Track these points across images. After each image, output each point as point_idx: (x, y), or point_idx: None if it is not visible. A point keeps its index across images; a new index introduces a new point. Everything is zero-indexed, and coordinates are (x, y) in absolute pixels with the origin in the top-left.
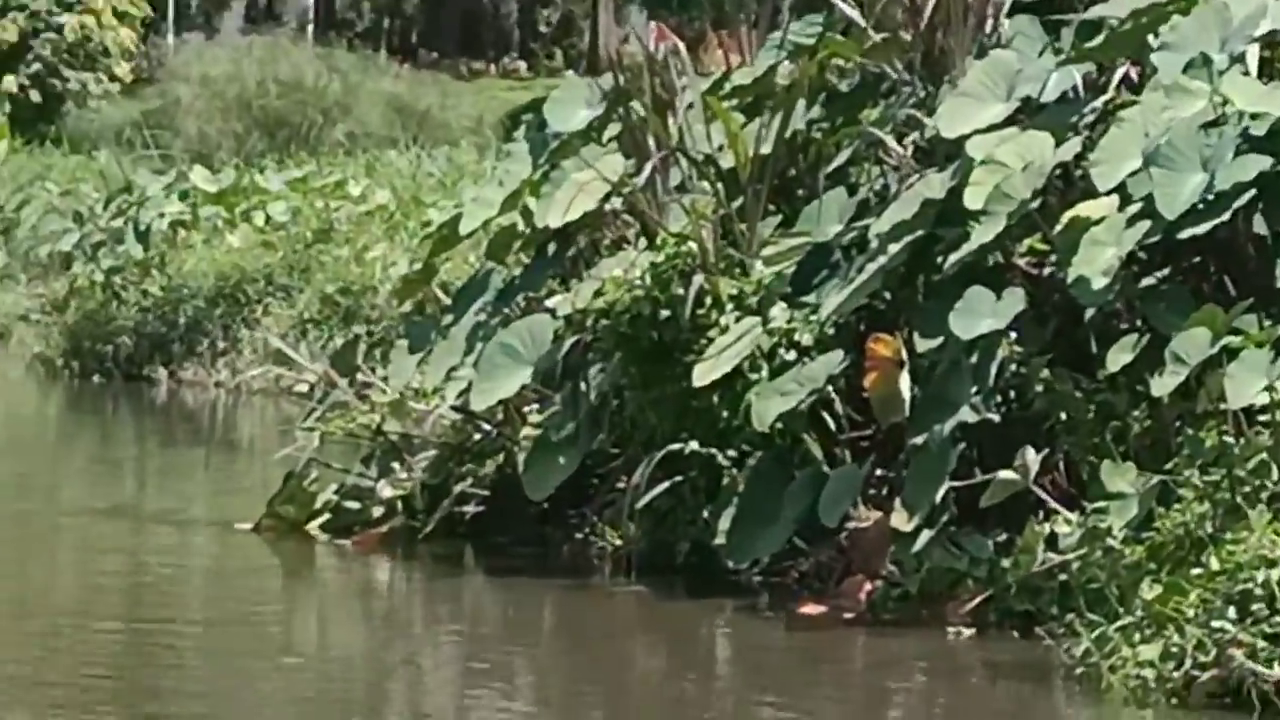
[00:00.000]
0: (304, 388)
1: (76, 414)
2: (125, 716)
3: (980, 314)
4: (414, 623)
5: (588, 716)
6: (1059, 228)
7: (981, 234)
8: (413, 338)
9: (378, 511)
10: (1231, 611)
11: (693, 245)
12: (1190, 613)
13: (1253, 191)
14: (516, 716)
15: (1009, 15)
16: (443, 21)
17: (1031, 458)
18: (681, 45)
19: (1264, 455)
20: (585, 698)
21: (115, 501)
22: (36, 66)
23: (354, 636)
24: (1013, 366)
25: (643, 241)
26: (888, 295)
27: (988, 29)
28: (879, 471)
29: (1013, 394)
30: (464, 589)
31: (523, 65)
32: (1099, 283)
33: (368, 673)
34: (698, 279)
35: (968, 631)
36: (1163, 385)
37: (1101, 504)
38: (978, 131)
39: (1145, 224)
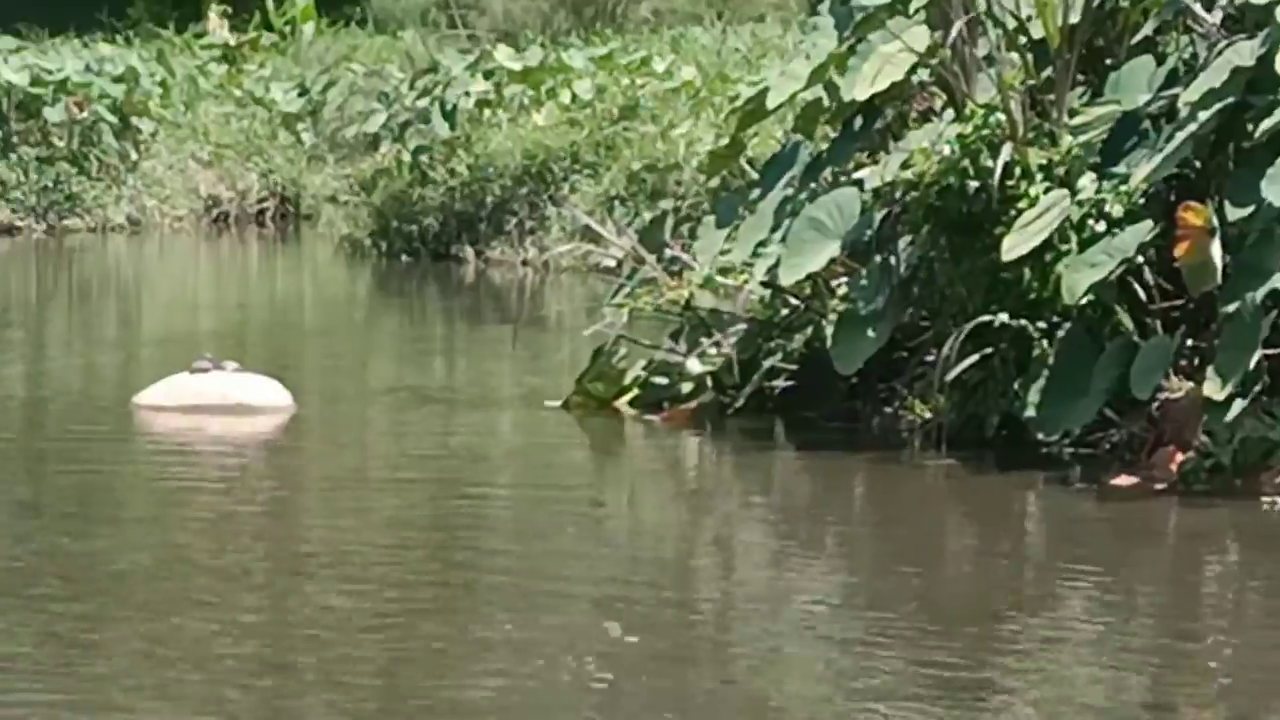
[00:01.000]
0: (611, 264)
1: (384, 294)
2: (440, 568)
3: None
4: (724, 498)
5: (902, 592)
6: None
7: None
8: (720, 213)
9: (686, 387)
10: None
11: (1000, 116)
12: None
13: None
14: (830, 590)
15: None
16: None
17: None
18: None
19: None
20: (898, 574)
21: (425, 380)
22: None
23: (664, 511)
24: None
25: (950, 113)
26: (1198, 164)
27: None
28: (1190, 342)
29: None
30: (773, 464)
31: None
32: None
33: (677, 546)
34: (1006, 150)
35: None
36: None
37: None
38: None
39: None
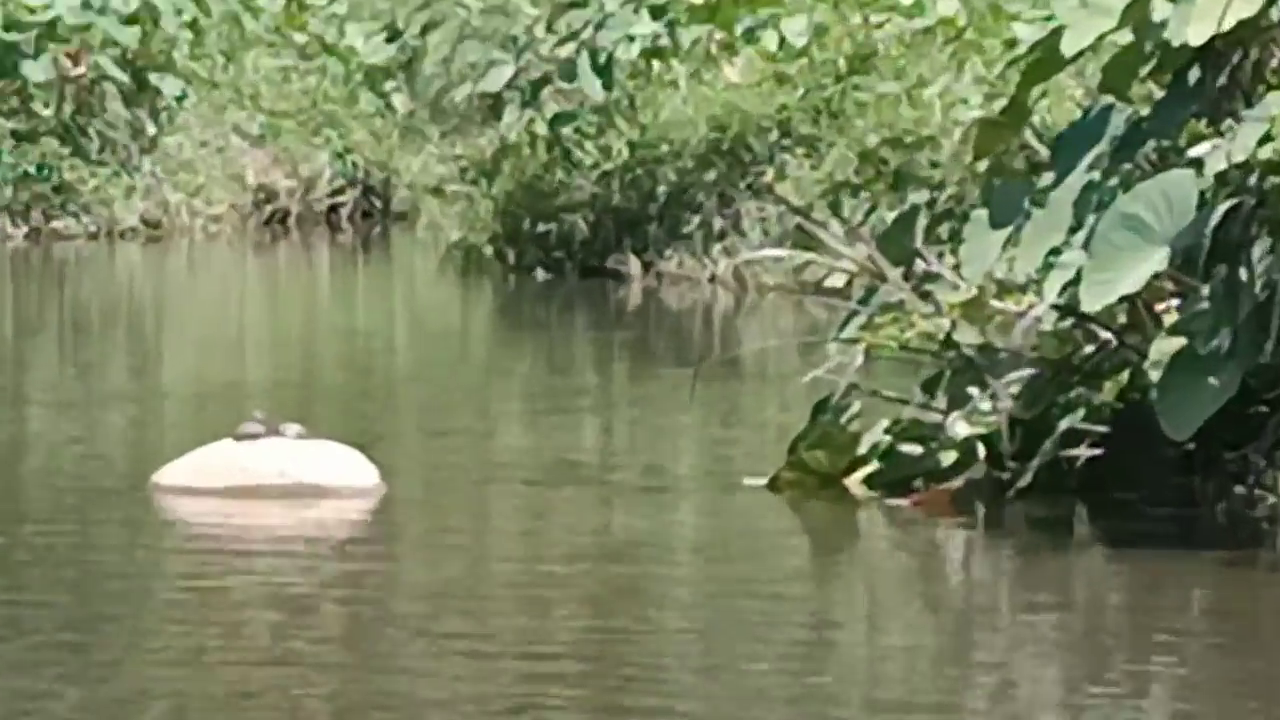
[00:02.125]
0: (838, 282)
1: (512, 326)
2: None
3: None
4: (1004, 616)
5: None
6: None
7: None
8: (995, 208)
9: (947, 458)
10: None
11: None
12: None
13: None
14: None
15: None
16: None
17: None
18: None
19: None
20: None
21: (570, 451)
22: None
23: (918, 637)
24: None
25: None
26: None
27: None
28: None
29: None
30: (1074, 567)
31: None
32: None
33: (937, 685)
34: None
35: None
36: None
37: None
38: None
39: None
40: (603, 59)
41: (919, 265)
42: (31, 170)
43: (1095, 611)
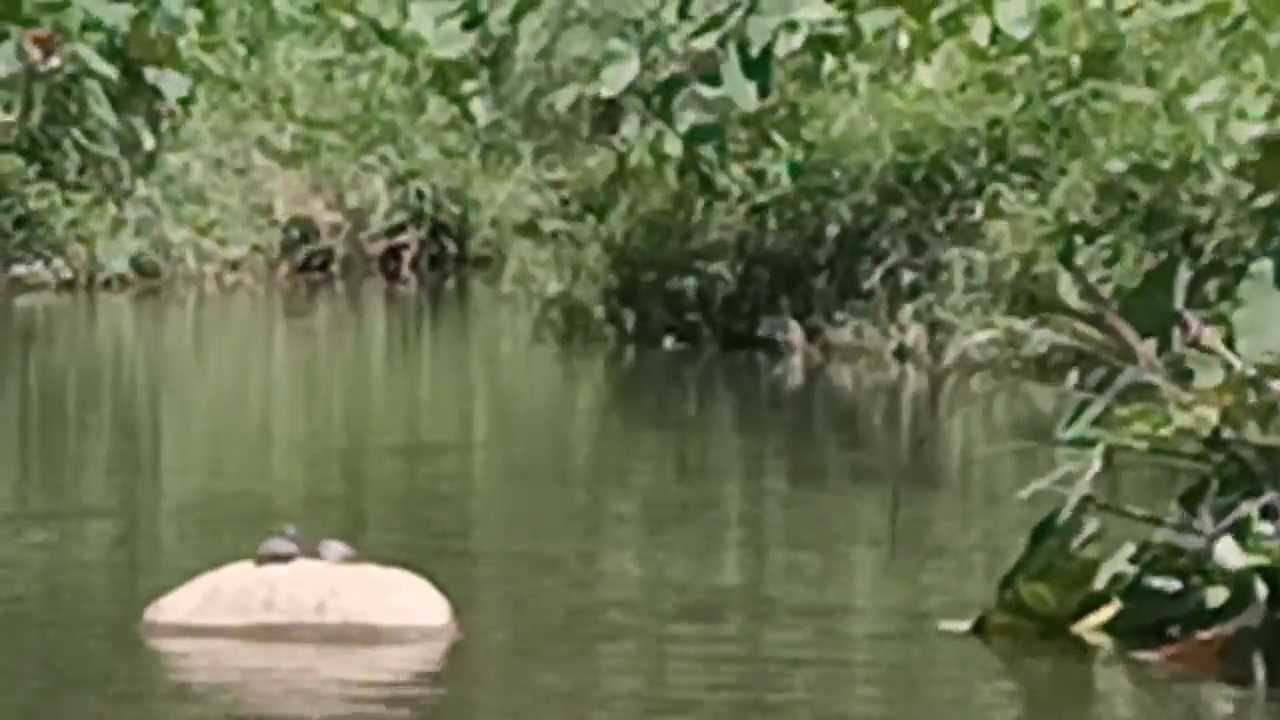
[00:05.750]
0: (1067, 356)
1: (630, 412)
2: None
3: None
4: None
5: None
6: None
7: None
8: None
9: (1215, 596)
10: None
11: None
12: None
13: None
14: None
15: None
16: None
17: None
18: None
19: None
20: None
21: (711, 579)
22: None
23: None
24: None
25: None
26: None
27: None
28: None
29: None
30: None
31: None
32: None
33: None
34: None
35: None
36: None
37: None
38: None
39: None
40: (756, 54)
41: (1178, 336)
42: None
43: None
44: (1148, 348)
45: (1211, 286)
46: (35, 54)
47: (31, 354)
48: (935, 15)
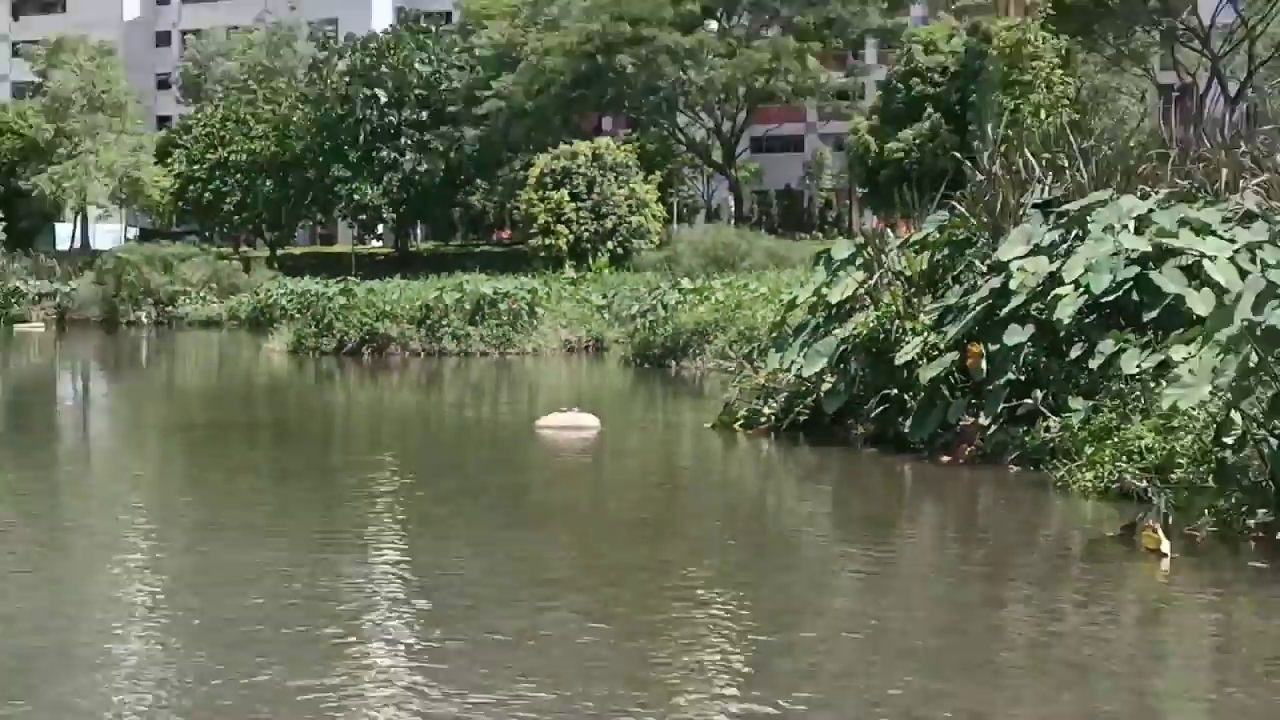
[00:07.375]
0: None
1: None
2: None
3: (1015, 334)
4: None
5: None
6: (1049, 298)
7: (1015, 299)
8: None
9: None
10: (1123, 461)
11: (891, 308)
12: (1106, 455)
13: (1131, 282)
14: None
15: (1031, 209)
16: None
17: (1036, 395)
18: (888, 227)
19: (1137, 391)
20: None
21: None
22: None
23: None
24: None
25: (872, 309)
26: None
27: (1019, 215)
28: (972, 401)
29: (1029, 369)
30: None
31: (821, 234)
32: (1066, 318)
33: None
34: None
35: None
36: (1112, 361)
37: (1068, 413)
38: (1015, 258)
39: (1085, 295)
40: (661, 305)
41: None
42: None
43: None
44: None
45: None
46: None
47: None
48: (705, 294)
